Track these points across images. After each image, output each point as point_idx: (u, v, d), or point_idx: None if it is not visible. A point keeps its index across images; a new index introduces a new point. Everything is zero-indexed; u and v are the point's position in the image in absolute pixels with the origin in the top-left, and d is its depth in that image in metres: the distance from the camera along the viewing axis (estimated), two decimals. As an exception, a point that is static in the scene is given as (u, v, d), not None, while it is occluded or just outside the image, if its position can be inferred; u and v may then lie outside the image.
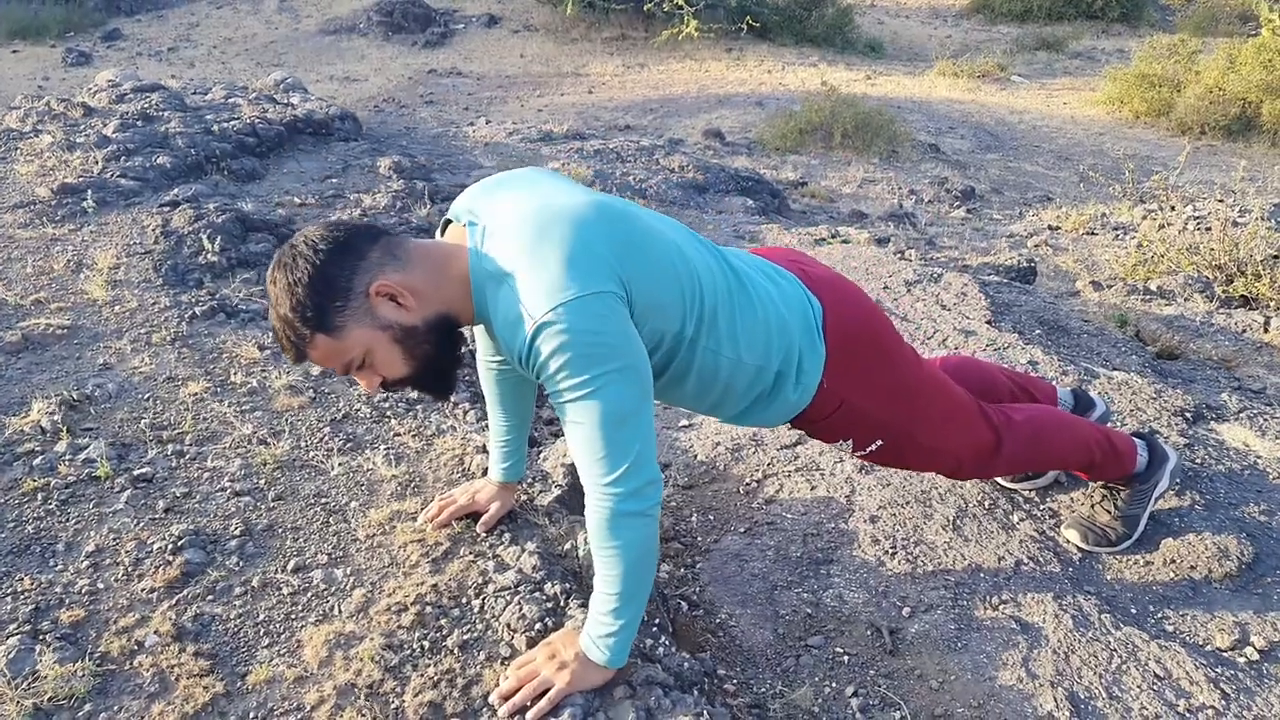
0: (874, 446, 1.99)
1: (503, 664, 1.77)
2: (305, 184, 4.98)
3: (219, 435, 2.50)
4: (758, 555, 2.37)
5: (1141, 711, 1.86)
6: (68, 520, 2.14)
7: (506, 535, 2.11)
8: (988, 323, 3.50)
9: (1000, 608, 2.12)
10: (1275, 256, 4.62)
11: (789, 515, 2.49)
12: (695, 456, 2.80)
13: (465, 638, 1.82)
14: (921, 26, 16.62)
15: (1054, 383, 2.87)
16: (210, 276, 3.54)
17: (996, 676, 1.94)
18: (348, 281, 1.55)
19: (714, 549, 2.42)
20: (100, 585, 1.95)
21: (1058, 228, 6.40)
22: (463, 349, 1.71)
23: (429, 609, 1.89)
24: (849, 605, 2.17)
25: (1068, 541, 2.32)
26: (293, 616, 1.88)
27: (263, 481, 2.31)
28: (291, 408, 2.65)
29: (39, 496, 2.20)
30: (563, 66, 13.18)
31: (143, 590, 1.93)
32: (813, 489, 2.57)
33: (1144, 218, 6.15)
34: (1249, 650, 2.03)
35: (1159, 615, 2.14)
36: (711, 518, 2.54)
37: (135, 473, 2.30)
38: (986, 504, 2.44)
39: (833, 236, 5.16)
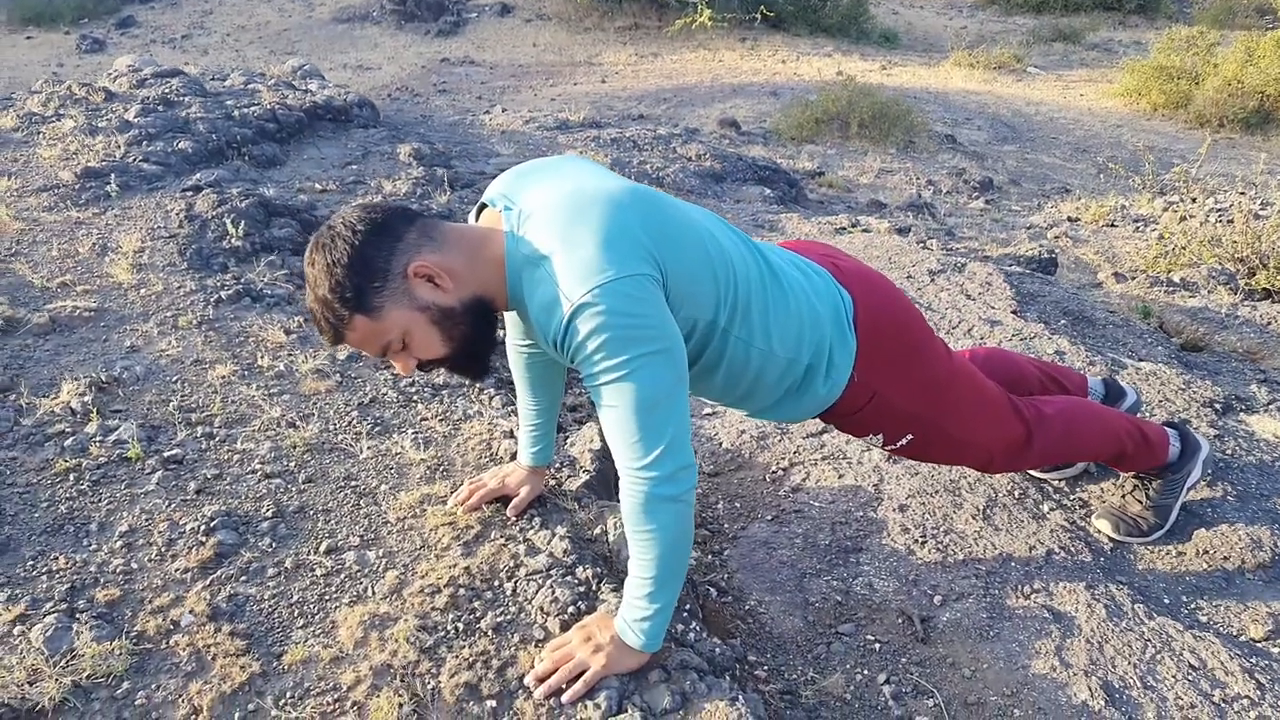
0: (904, 440, 1.98)
1: (536, 646, 1.77)
2: (326, 170, 4.98)
3: (248, 418, 2.50)
4: (786, 543, 2.37)
5: (1176, 701, 1.85)
6: (100, 501, 2.14)
7: (536, 519, 2.11)
8: (1013, 312, 3.48)
9: (1032, 597, 2.12)
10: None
11: (816, 503, 2.49)
12: (721, 444, 2.79)
13: (499, 620, 1.82)
14: (936, 17, 16.54)
15: (1083, 373, 2.86)
16: (235, 261, 3.54)
17: (1029, 665, 1.94)
18: (385, 262, 1.55)
19: (741, 536, 2.41)
20: (134, 565, 1.95)
21: (1077, 219, 6.37)
22: (498, 332, 1.71)
23: (462, 591, 1.89)
24: (879, 593, 2.17)
25: (1099, 531, 2.31)
26: (326, 597, 1.88)
27: (293, 464, 2.31)
28: (319, 391, 2.65)
29: (71, 477, 2.21)
30: (576, 55, 13.15)
31: (176, 570, 1.93)
32: (840, 477, 2.56)
33: (1165, 210, 6.11)
34: (1283, 641, 2.02)
35: (1192, 605, 2.13)
36: (738, 505, 2.54)
37: (165, 454, 2.30)
38: (1016, 493, 2.43)
39: (853, 226, 5.14)
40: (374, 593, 1.89)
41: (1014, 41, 14.47)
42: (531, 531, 2.07)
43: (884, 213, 6.42)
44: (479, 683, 1.68)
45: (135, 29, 14.03)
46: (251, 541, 2.03)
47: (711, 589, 2.22)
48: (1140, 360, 3.22)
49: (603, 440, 2.50)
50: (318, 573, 1.95)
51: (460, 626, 1.80)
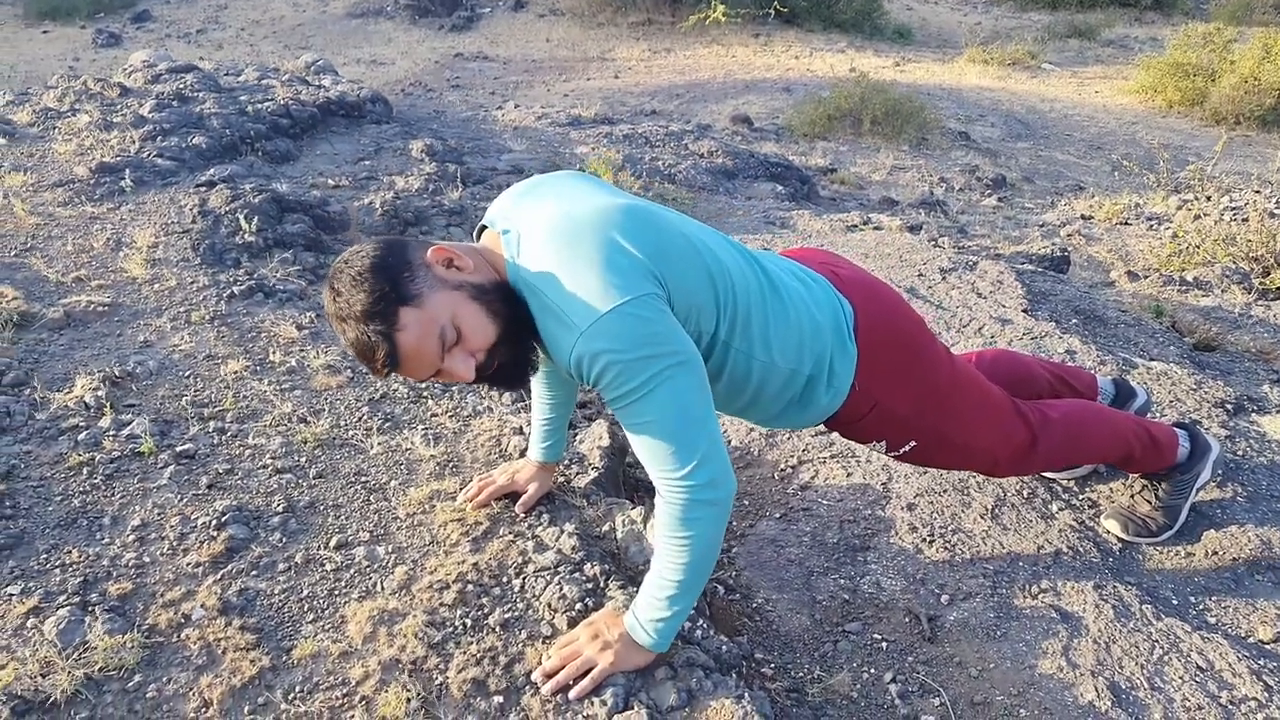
0: (908, 447, 1.98)
1: (544, 643, 1.78)
2: (339, 165, 5.00)
3: (259, 413, 2.52)
4: (794, 541, 2.37)
5: (1184, 703, 1.85)
6: (113, 495, 2.16)
7: (545, 516, 2.12)
8: (1024, 311, 3.47)
9: (1040, 597, 2.11)
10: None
11: (825, 502, 2.49)
12: (730, 442, 2.80)
13: (506, 616, 1.84)
14: (951, 13, 16.47)
15: (1093, 372, 2.85)
16: (248, 256, 3.56)
17: (1036, 665, 1.94)
18: (405, 258, 1.55)
19: (750, 534, 2.42)
20: (146, 559, 1.97)
21: (1091, 217, 6.34)
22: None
23: (470, 587, 1.90)
24: (887, 592, 2.17)
25: (1108, 532, 2.31)
26: (336, 592, 1.90)
27: (303, 459, 2.33)
28: (330, 387, 2.66)
29: (84, 471, 2.23)
30: (589, 51, 13.15)
31: (188, 564, 1.95)
32: (849, 476, 2.57)
33: (1179, 208, 6.08)
34: (1292, 643, 2.02)
35: (1201, 607, 2.13)
36: (747, 503, 2.55)
37: (178, 449, 2.32)
38: (1025, 493, 2.43)
39: (865, 223, 5.13)
40: (383, 588, 1.90)
41: (1029, 38, 14.39)
42: (540, 528, 2.08)
43: (896, 210, 6.40)
44: (486, 679, 1.70)
45: (150, 23, 14.09)
46: (262, 536, 2.05)
47: (719, 586, 2.22)
48: (1152, 360, 3.21)
49: (611, 438, 2.51)
50: (327, 568, 1.96)
51: (468, 622, 1.81)
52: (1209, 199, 6.07)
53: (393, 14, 14.45)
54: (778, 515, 2.47)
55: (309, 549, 2.02)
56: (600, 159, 5.65)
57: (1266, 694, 1.87)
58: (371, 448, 2.39)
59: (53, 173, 4.17)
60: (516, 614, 1.85)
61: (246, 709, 1.63)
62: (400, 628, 1.79)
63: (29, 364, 2.66)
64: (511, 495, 2.15)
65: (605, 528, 2.15)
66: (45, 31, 13.50)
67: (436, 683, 1.68)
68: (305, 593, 1.90)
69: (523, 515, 2.12)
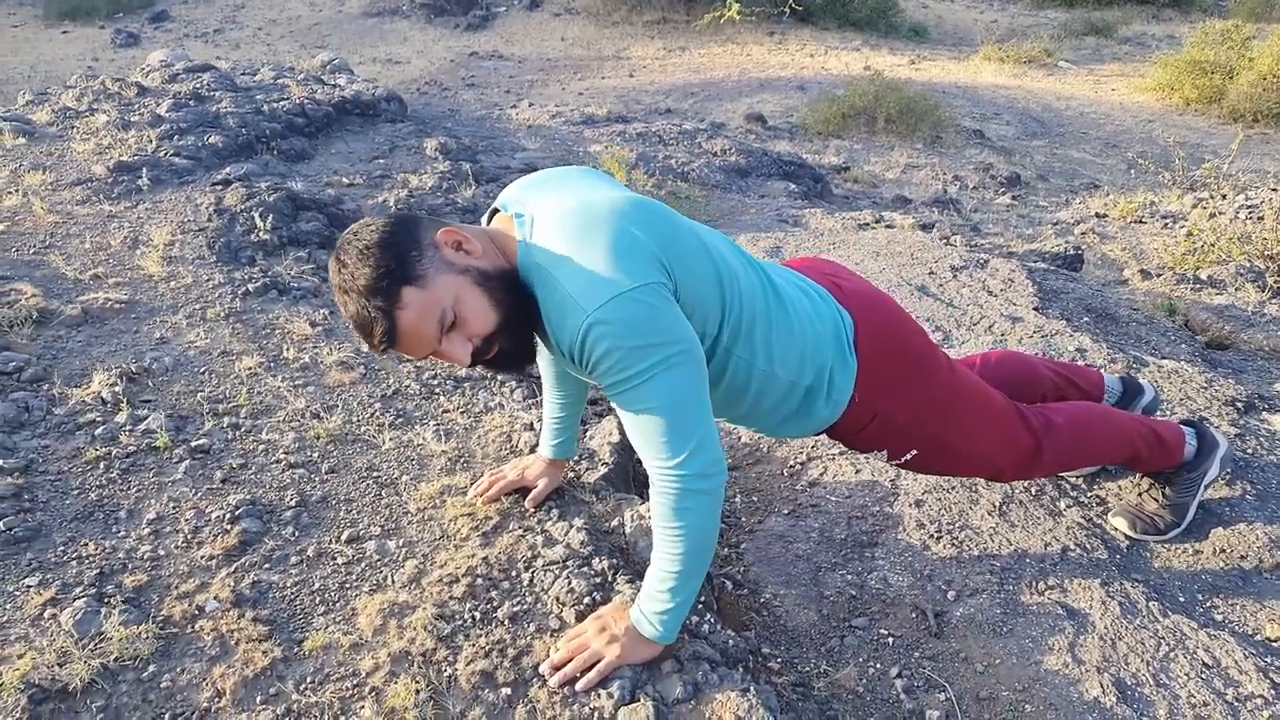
0: (909, 455, 1.99)
1: (552, 636, 1.80)
2: (353, 164, 5.04)
3: (273, 409, 2.55)
4: (802, 537, 2.38)
5: (1189, 699, 1.86)
6: (129, 489, 2.19)
7: (555, 511, 2.14)
8: (1035, 309, 3.47)
9: (1046, 593, 2.12)
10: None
11: (833, 498, 2.50)
12: (739, 438, 2.81)
13: (515, 610, 1.86)
14: (967, 10, 16.41)
15: (1101, 370, 2.85)
16: (262, 254, 3.59)
17: (1042, 661, 1.95)
18: (414, 236, 1.56)
19: (758, 530, 2.43)
20: (161, 552, 2.00)
21: (1105, 215, 6.32)
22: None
23: (480, 581, 1.92)
24: (894, 588, 2.18)
25: (1115, 529, 2.31)
26: (347, 585, 1.92)
27: (316, 454, 2.35)
28: (343, 383, 2.69)
29: (101, 465, 2.26)
30: (604, 50, 13.17)
31: (202, 557, 1.98)
32: (857, 472, 2.58)
33: (1194, 206, 6.05)
34: (1299, 641, 2.02)
35: (1208, 604, 2.13)
36: (755, 499, 2.56)
37: (193, 444, 2.35)
38: (1033, 490, 2.44)
39: (877, 222, 5.13)
40: (393, 581, 1.93)
41: (1045, 35, 14.33)
42: (549, 523, 2.10)
43: (909, 208, 6.40)
44: (495, 671, 1.72)
45: (169, 23, 14.19)
46: (275, 530, 2.07)
47: (727, 581, 2.24)
48: (1163, 358, 3.20)
49: (621, 434, 2.53)
50: (339, 561, 1.99)
51: (477, 615, 1.84)
52: (1224, 197, 6.04)
53: (408, 13, 14.51)
54: (786, 511, 2.48)
55: (321, 543, 2.04)
56: (614, 157, 5.67)
57: (1273, 691, 1.87)
58: (383, 443, 2.42)
59: (71, 171, 4.22)
60: (525, 607, 1.87)
61: (258, 699, 1.66)
62: (410, 620, 1.81)
63: (47, 360, 2.70)
64: (521, 490, 2.17)
65: (614, 523, 2.17)
66: (65, 32, 13.62)
67: (445, 675, 1.70)
68: (317, 585, 1.92)
69: (532, 510, 2.14)
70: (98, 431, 2.37)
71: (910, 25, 14.76)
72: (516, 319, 1.59)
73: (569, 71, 11.89)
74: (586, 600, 1.87)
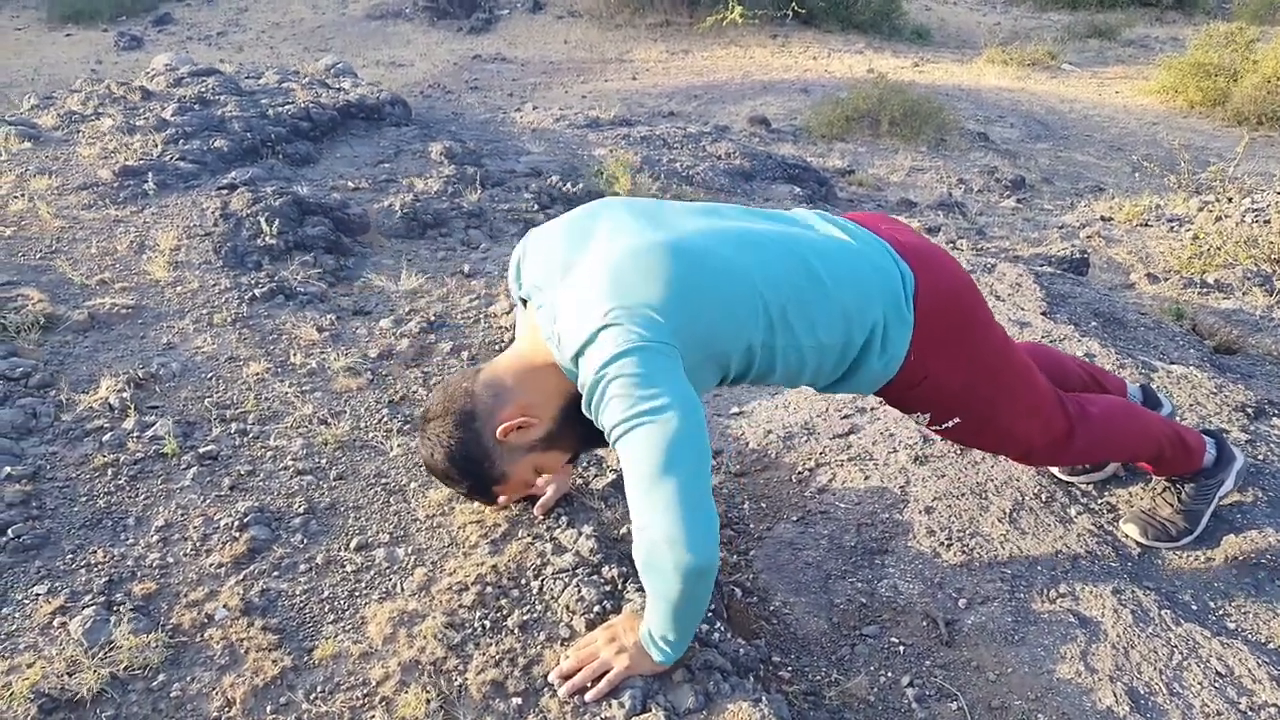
0: (951, 423, 1.97)
1: (562, 645, 1.79)
2: (359, 168, 5.03)
3: (281, 415, 2.54)
4: (811, 544, 2.38)
5: (1203, 708, 1.85)
6: (137, 495, 2.19)
7: (564, 518, 2.13)
8: (1043, 314, 3.46)
9: (1058, 601, 2.11)
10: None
11: (842, 504, 2.49)
12: (747, 444, 2.80)
13: (525, 618, 1.85)
14: (970, 13, 16.40)
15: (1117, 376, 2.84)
16: (269, 259, 3.59)
17: (1054, 670, 1.94)
18: (482, 446, 1.78)
19: (767, 537, 2.42)
20: (170, 559, 1.99)
21: (1110, 219, 6.31)
22: None
23: (489, 589, 1.91)
24: (904, 596, 2.17)
25: (1127, 536, 2.30)
26: (356, 593, 1.92)
27: (324, 461, 2.35)
28: (351, 389, 2.69)
29: (109, 472, 2.26)
30: (607, 52, 13.16)
31: (211, 565, 1.98)
32: (866, 479, 2.57)
33: (1200, 209, 6.03)
34: (1313, 649, 2.01)
35: (1220, 612, 2.12)
36: (764, 505, 2.55)
37: (201, 450, 2.35)
38: (1044, 497, 2.43)
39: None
40: (403, 589, 1.92)
41: (1048, 38, 14.31)
42: (558, 530, 2.09)
43: (914, 211, 6.39)
44: (505, 680, 1.71)
45: (172, 26, 14.20)
46: (284, 537, 2.07)
47: (736, 589, 2.23)
48: (1172, 363, 3.19)
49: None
50: (348, 569, 1.98)
51: (487, 624, 1.83)
52: (1230, 200, 6.03)
53: (411, 16, 14.51)
54: (795, 518, 2.47)
55: (330, 550, 2.04)
56: (618, 161, 5.65)
57: (1287, 700, 1.86)
58: (391, 449, 2.41)
59: (77, 176, 4.21)
60: (535, 616, 1.86)
61: (268, 708, 1.65)
62: (420, 629, 1.81)
63: (54, 366, 2.70)
64: (530, 498, 2.17)
65: (624, 530, 2.16)
66: (68, 34, 13.63)
67: (456, 684, 1.70)
68: (326, 593, 1.92)
69: (541, 517, 2.13)
70: (105, 438, 2.37)
71: (913, 28, 14.73)
72: (588, 436, 1.76)
73: (572, 74, 11.89)
74: (597, 609, 1.87)
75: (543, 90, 11.07)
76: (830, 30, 14.10)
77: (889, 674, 1.99)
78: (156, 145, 4.55)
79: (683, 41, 13.59)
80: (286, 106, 5.44)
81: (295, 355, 2.85)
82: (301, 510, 2.15)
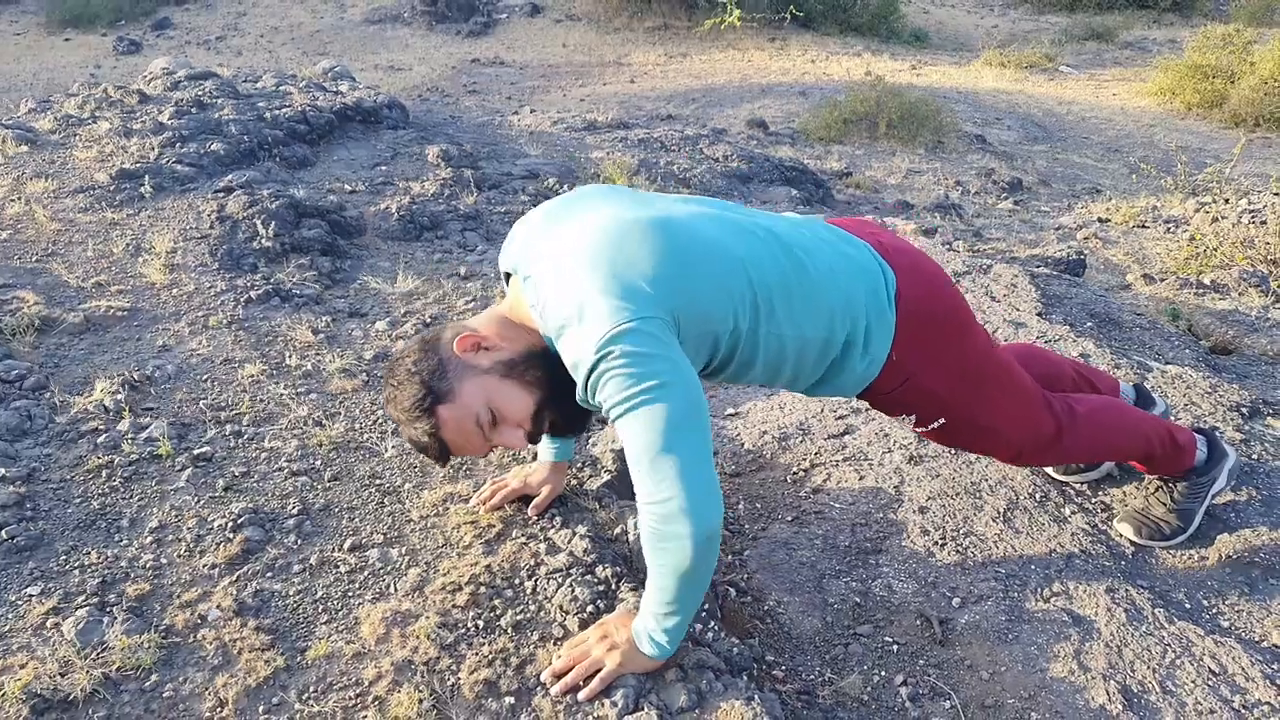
0: (937, 424, 1.97)
1: (555, 644, 1.79)
2: (355, 171, 5.04)
3: (275, 416, 2.54)
4: (805, 544, 2.38)
5: (1196, 706, 1.85)
6: (131, 497, 2.19)
7: (558, 519, 2.13)
8: (1038, 315, 3.47)
9: (1051, 600, 2.11)
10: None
11: (837, 505, 2.49)
12: (742, 445, 2.81)
13: (518, 618, 1.85)
14: (968, 16, 16.43)
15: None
16: (264, 261, 3.59)
17: (1048, 668, 1.94)
18: (436, 355, 1.71)
19: (762, 537, 2.42)
20: (163, 560, 1.99)
21: (1107, 220, 6.32)
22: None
23: (483, 589, 1.91)
24: (898, 595, 2.17)
25: (1120, 535, 2.30)
26: (350, 594, 1.92)
27: (319, 462, 2.35)
28: (346, 390, 2.69)
29: (103, 473, 2.26)
30: (605, 56, 13.18)
31: (204, 566, 1.98)
32: (861, 479, 2.57)
33: (1197, 211, 6.04)
34: (1306, 647, 2.01)
35: (1214, 610, 2.12)
36: (759, 506, 2.55)
37: (195, 452, 2.35)
38: (1038, 496, 2.43)
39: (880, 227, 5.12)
40: (396, 590, 1.92)
41: (1046, 40, 14.34)
42: (552, 530, 2.09)
43: (911, 214, 6.40)
44: (498, 680, 1.71)
45: (171, 30, 14.22)
46: (278, 538, 2.07)
47: (731, 589, 2.23)
48: (1167, 363, 3.20)
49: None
50: (342, 570, 1.98)
51: (481, 624, 1.83)
52: (1227, 201, 6.04)
53: (410, 20, 14.53)
54: (789, 518, 2.47)
55: (324, 551, 2.04)
56: (616, 164, 5.66)
57: (1280, 698, 1.86)
58: (386, 451, 2.41)
59: (74, 179, 4.22)
60: (528, 616, 1.86)
61: (261, 709, 1.65)
62: (413, 629, 1.81)
63: (49, 368, 2.70)
64: (524, 498, 2.17)
65: (618, 530, 2.16)
66: (67, 39, 13.66)
67: (449, 683, 1.70)
68: (320, 594, 1.92)
69: (535, 518, 2.13)
70: (100, 440, 2.37)
71: (911, 31, 14.77)
72: (555, 391, 1.69)
73: (570, 78, 11.91)
74: (590, 608, 1.87)
75: (540, 93, 11.09)
76: (828, 33, 14.13)
77: (883, 673, 1.99)
78: (153, 148, 4.56)
79: (681, 45, 13.61)
80: (284, 110, 5.45)
81: (291, 357, 2.85)
82: (296, 511, 2.16)
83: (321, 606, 1.89)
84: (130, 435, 2.39)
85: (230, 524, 2.08)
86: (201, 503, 2.18)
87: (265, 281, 3.36)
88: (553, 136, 6.90)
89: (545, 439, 2.13)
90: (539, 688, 1.70)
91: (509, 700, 1.67)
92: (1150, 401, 2.46)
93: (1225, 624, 2.08)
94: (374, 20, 14.61)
